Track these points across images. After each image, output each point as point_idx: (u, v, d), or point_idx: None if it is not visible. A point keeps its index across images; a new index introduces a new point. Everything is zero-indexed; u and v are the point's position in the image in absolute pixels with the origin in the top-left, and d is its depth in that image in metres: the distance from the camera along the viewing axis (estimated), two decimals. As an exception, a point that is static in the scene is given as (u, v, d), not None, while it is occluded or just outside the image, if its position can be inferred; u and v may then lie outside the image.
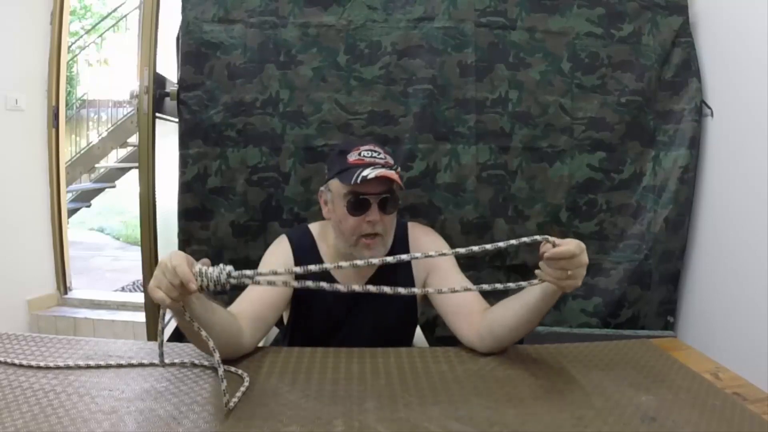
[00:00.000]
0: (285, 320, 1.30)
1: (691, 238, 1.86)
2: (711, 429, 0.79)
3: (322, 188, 1.21)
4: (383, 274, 1.20)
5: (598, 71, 1.81)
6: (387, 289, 0.89)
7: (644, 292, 1.86)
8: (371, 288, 0.89)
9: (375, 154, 1.12)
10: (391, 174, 1.08)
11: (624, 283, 1.85)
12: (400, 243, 1.22)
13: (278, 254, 1.19)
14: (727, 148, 1.75)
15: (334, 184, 1.14)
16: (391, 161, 1.14)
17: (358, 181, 1.06)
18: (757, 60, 1.57)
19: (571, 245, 0.89)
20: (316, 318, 1.21)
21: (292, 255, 1.19)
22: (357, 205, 1.10)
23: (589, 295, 1.87)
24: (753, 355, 1.49)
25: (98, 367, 0.94)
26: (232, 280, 0.86)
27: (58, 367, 0.93)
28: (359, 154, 1.11)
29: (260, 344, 1.36)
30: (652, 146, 1.86)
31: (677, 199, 1.82)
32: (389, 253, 1.18)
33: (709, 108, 1.80)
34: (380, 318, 1.21)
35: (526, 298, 0.99)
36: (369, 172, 1.07)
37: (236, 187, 1.75)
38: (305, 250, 1.21)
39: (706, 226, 1.82)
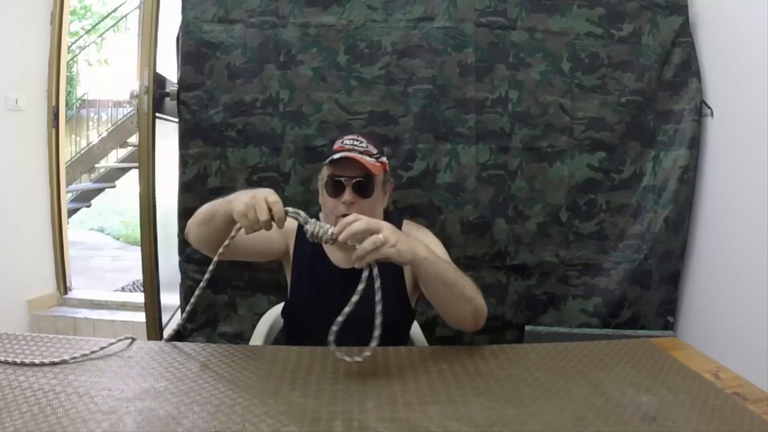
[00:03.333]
0: (287, 304, 1.35)
1: (691, 238, 1.86)
2: (711, 429, 0.79)
3: (319, 176, 1.32)
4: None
5: (598, 71, 1.81)
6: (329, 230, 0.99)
7: (644, 292, 1.86)
8: None
9: (356, 143, 1.23)
10: (358, 156, 1.18)
11: (624, 283, 1.85)
12: None
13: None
14: (727, 148, 1.75)
15: (322, 169, 1.26)
16: (372, 150, 1.23)
17: (326, 161, 1.20)
18: (757, 60, 1.57)
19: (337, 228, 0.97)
20: (312, 294, 1.27)
21: (296, 228, 1.30)
22: (333, 186, 1.20)
23: (589, 295, 1.87)
24: (753, 355, 1.49)
25: (96, 357, 0.94)
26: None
27: (53, 363, 0.94)
28: (342, 142, 1.23)
29: (260, 343, 1.37)
30: (652, 146, 1.86)
31: (677, 199, 1.82)
32: None
33: (709, 108, 1.80)
34: (373, 302, 1.22)
35: None
36: (339, 155, 1.18)
37: (236, 187, 1.74)
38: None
39: (706, 226, 1.82)
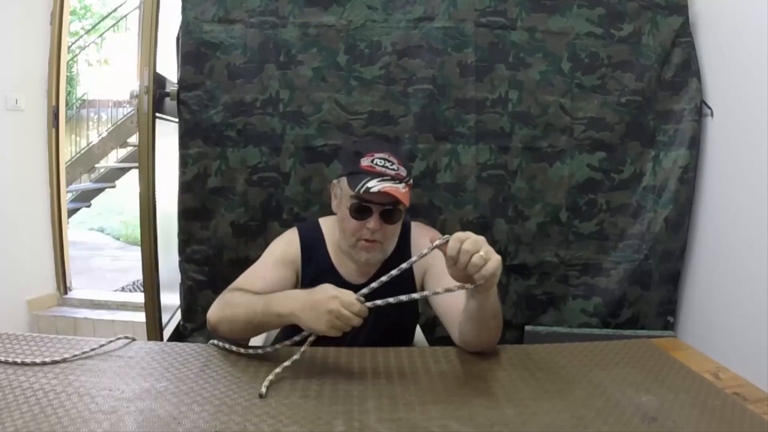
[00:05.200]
0: None
1: (691, 238, 1.86)
2: (711, 429, 0.79)
3: (334, 181, 1.25)
4: (385, 272, 1.21)
5: (598, 71, 1.81)
6: (390, 300, 0.97)
7: (644, 292, 1.86)
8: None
9: (388, 164, 1.13)
10: (395, 190, 1.10)
11: (624, 283, 1.85)
12: (403, 242, 1.25)
13: (286, 244, 1.25)
14: (727, 148, 1.75)
15: (344, 182, 1.16)
16: (402, 173, 1.14)
17: (361, 191, 1.09)
18: (757, 60, 1.57)
19: (454, 240, 0.90)
20: None
21: (299, 248, 1.24)
22: (359, 210, 1.13)
23: (589, 295, 1.87)
24: (753, 355, 1.49)
25: (96, 357, 0.94)
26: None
27: (54, 362, 0.94)
28: (372, 161, 1.13)
29: (260, 344, 1.37)
30: (652, 146, 1.86)
31: (677, 199, 1.82)
32: (388, 261, 1.21)
33: (709, 108, 1.80)
34: (382, 314, 1.21)
35: (467, 300, 1.01)
36: (374, 185, 1.09)
37: (236, 187, 1.75)
38: (313, 245, 1.25)
39: (706, 226, 1.82)
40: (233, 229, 1.76)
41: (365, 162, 1.12)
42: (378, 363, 1.02)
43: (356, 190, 1.10)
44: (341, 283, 1.20)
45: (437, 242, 0.93)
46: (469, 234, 0.91)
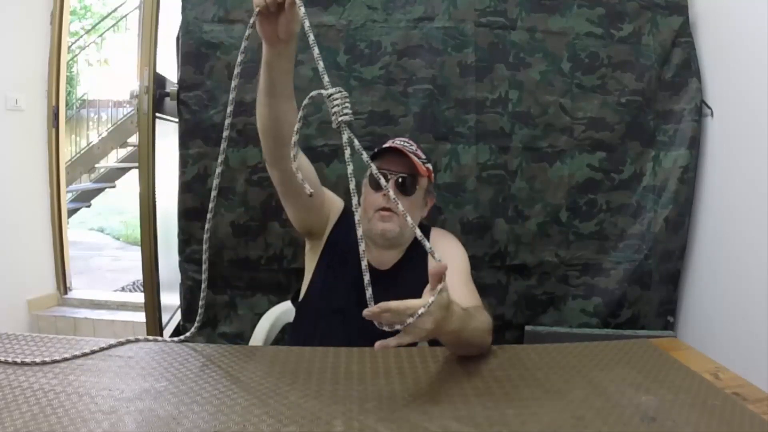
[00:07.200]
0: (304, 290, 1.32)
1: (691, 238, 1.86)
2: (711, 429, 0.79)
3: (365, 174, 1.31)
4: (403, 267, 1.26)
5: (598, 71, 1.81)
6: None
7: (644, 292, 1.86)
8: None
9: (406, 144, 1.27)
10: (406, 150, 1.20)
11: (624, 283, 1.85)
12: (421, 244, 1.25)
13: (335, 200, 1.33)
14: (727, 148, 1.75)
15: (369, 169, 1.24)
16: (421, 154, 1.26)
17: (375, 150, 1.24)
18: (757, 60, 1.57)
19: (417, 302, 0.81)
20: (340, 286, 1.24)
21: (341, 211, 1.32)
22: (376, 179, 1.16)
23: (589, 295, 1.87)
24: (753, 355, 1.49)
25: (96, 357, 0.94)
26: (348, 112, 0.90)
27: (54, 362, 0.94)
28: (393, 141, 1.28)
29: (260, 343, 1.37)
30: (652, 146, 1.86)
31: (677, 199, 1.82)
32: (408, 251, 1.27)
33: (709, 108, 1.80)
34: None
35: None
36: (388, 144, 1.24)
37: (236, 187, 1.75)
38: (350, 220, 1.25)
39: (706, 226, 1.82)
40: (233, 229, 1.76)
41: (387, 144, 1.27)
42: (378, 363, 1.01)
43: (373, 152, 1.22)
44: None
45: (435, 256, 0.87)
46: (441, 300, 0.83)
